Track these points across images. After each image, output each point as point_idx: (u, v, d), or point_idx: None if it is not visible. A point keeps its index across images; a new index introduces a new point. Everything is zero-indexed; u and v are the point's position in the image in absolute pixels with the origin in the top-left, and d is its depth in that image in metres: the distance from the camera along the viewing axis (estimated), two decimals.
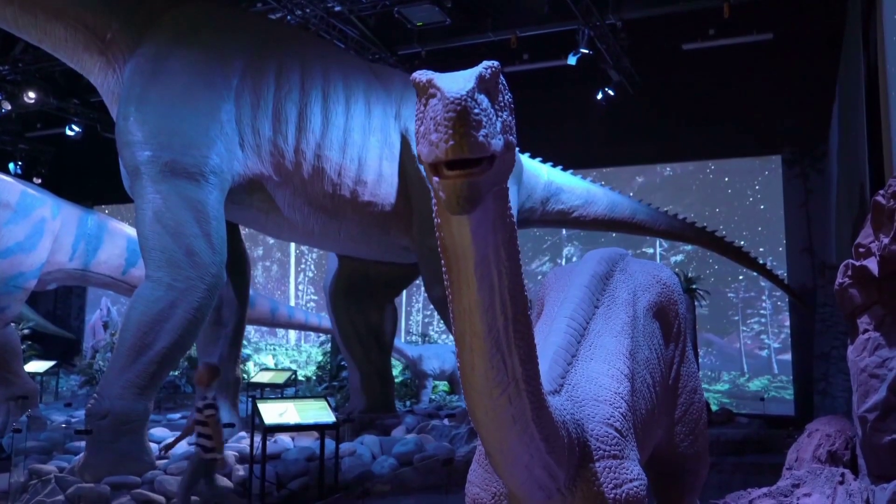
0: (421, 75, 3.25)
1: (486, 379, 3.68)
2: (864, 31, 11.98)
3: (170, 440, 11.89)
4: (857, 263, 7.43)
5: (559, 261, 23.77)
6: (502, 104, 3.33)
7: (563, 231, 23.40)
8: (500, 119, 3.25)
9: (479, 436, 4.04)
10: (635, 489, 4.43)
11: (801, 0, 18.45)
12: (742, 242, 18.55)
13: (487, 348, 3.62)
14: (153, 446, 11.31)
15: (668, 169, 22.65)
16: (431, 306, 18.27)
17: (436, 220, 3.48)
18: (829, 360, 16.78)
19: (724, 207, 21.69)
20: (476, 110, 3.03)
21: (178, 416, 16.08)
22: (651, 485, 5.51)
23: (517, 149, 3.59)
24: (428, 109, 3.11)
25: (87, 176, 27.19)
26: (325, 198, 12.53)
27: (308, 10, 18.10)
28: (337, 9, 18.35)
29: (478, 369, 3.68)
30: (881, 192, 7.31)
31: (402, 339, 23.09)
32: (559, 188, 16.39)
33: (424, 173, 3.29)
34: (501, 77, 3.42)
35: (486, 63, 3.32)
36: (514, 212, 3.62)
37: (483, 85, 3.21)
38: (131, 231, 16.05)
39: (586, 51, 18.36)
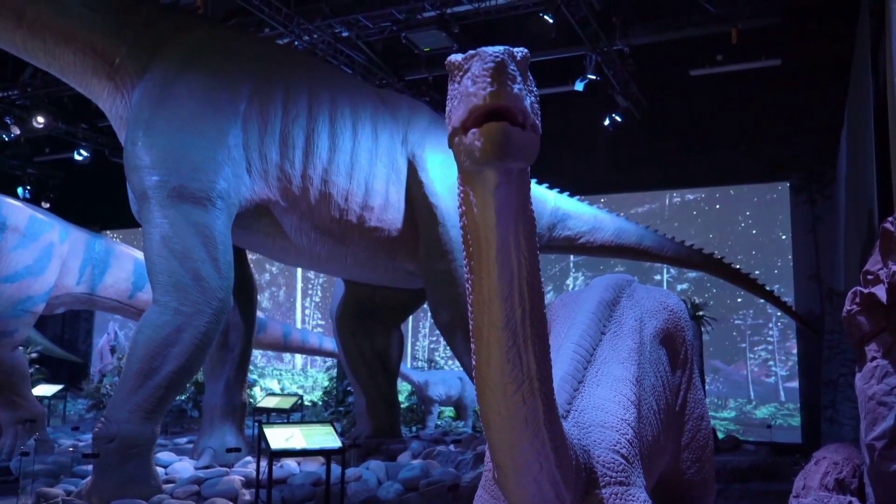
0: (456, 55, 3.38)
1: (501, 373, 3.71)
2: (872, 58, 11.98)
3: (176, 464, 11.97)
4: (866, 290, 7.41)
5: (566, 286, 23.77)
6: (530, 88, 3.42)
7: (571, 258, 23.41)
8: (529, 98, 3.34)
9: (489, 444, 4.04)
10: None
11: (809, 26, 18.51)
12: (738, 266, 18.51)
13: (504, 339, 3.66)
14: (160, 470, 11.32)
15: (675, 196, 22.67)
16: (438, 332, 18.24)
17: (460, 208, 3.61)
18: (837, 387, 16.72)
19: (716, 233, 21.71)
20: (512, 66, 3.19)
21: (184, 440, 16.06)
22: None
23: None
24: (465, 77, 3.27)
25: (96, 200, 27.31)
26: (332, 223, 12.55)
27: (315, 36, 18.18)
28: (344, 34, 18.43)
29: (493, 362, 3.71)
30: (889, 218, 7.30)
31: (409, 365, 23.07)
32: (566, 214, 16.36)
33: (449, 146, 3.40)
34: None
35: (518, 48, 3.44)
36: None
37: (513, 61, 3.32)
38: (138, 255, 16.08)
39: (594, 76, 18.42)
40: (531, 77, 3.52)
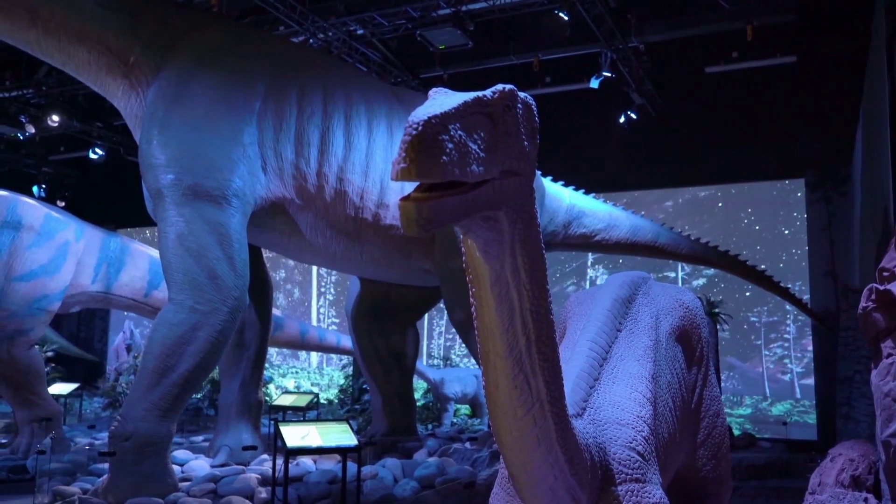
0: (431, 92, 3.27)
1: (510, 398, 3.68)
2: (888, 55, 11.93)
3: (192, 462, 12.00)
4: (881, 287, 7.39)
5: (584, 284, 23.75)
6: (510, 129, 3.31)
7: (589, 255, 23.39)
8: (503, 144, 3.25)
9: (502, 456, 4.02)
10: None
11: (824, 23, 18.46)
12: (753, 264, 18.46)
13: (510, 368, 3.62)
14: (176, 468, 11.33)
15: (686, 193, 22.65)
16: (453, 330, 18.24)
17: (459, 235, 3.50)
18: (853, 384, 16.67)
19: (720, 229, 21.67)
20: (441, 136, 2.97)
21: (200, 438, 16.07)
22: None
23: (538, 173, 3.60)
24: None
25: (111, 199, 27.36)
26: (347, 221, 12.53)
27: (330, 34, 18.20)
28: (359, 32, 18.45)
29: (502, 388, 3.68)
30: None
31: (425, 363, 23.07)
32: (581, 212, 16.32)
33: None
34: (523, 101, 3.43)
35: (497, 86, 3.33)
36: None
37: (479, 108, 3.21)
38: (154, 253, 16.08)
39: (609, 74, 18.41)
40: (522, 114, 3.40)
